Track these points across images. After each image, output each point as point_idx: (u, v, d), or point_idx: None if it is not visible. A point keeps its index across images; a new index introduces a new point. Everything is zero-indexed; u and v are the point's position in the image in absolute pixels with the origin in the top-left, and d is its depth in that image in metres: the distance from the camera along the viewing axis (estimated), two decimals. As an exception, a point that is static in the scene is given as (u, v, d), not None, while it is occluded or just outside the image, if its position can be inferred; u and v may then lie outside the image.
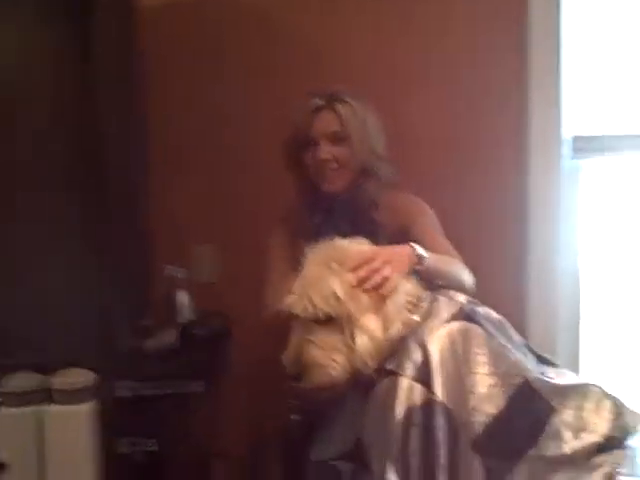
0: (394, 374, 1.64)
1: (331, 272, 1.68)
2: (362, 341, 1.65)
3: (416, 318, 1.71)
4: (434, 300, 1.76)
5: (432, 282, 1.84)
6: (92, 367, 2.01)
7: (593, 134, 2.43)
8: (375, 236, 1.90)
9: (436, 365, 1.63)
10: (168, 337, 2.18)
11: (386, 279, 1.69)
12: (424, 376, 1.63)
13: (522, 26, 2.39)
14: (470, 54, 2.43)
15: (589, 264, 2.47)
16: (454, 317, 1.71)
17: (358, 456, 1.65)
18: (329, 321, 1.67)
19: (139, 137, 2.47)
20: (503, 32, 2.41)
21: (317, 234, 2.10)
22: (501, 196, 2.44)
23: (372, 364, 1.66)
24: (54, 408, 1.90)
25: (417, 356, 1.65)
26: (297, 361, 1.68)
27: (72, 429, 1.87)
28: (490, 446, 1.57)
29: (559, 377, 1.71)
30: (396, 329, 1.69)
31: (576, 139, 2.43)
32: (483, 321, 1.72)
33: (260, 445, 2.24)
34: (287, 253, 2.16)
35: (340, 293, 1.65)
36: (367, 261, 1.70)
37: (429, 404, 1.60)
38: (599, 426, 1.59)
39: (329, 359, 1.66)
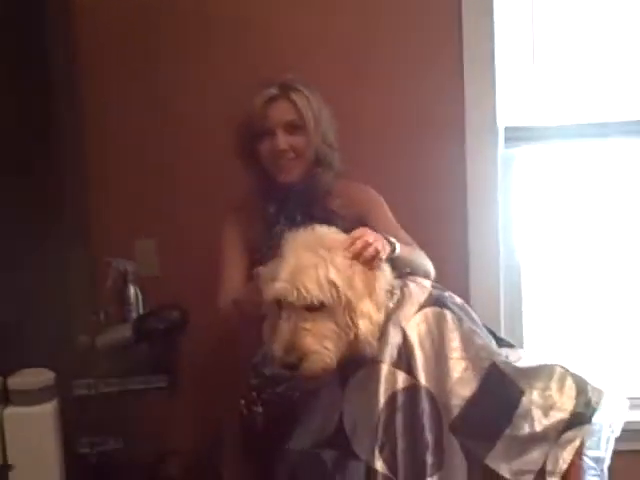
0: (374, 361, 1.70)
1: (322, 259, 1.69)
2: (364, 325, 1.67)
3: (391, 305, 1.77)
4: (405, 286, 1.81)
5: (401, 270, 1.89)
6: (48, 366, 1.93)
7: (525, 125, 2.54)
8: (330, 225, 1.90)
9: (417, 350, 1.70)
10: (122, 332, 2.13)
11: (377, 253, 1.72)
12: (405, 361, 1.69)
13: (456, 20, 2.45)
14: (406, 48, 2.48)
15: (527, 249, 2.59)
16: (426, 302, 1.78)
17: (340, 443, 1.69)
18: (320, 308, 1.67)
19: (76, 126, 2.40)
20: (438, 26, 2.47)
21: (272, 224, 2.13)
22: (439, 184, 2.51)
23: (374, 344, 1.69)
24: (12, 410, 1.83)
25: (396, 341, 1.71)
26: (291, 349, 1.66)
27: (33, 431, 1.81)
28: (467, 428, 1.66)
29: (521, 358, 1.82)
30: (383, 308, 1.73)
31: (508, 129, 2.54)
32: (452, 305, 1.80)
33: (218, 439, 2.22)
34: (240, 244, 2.17)
35: (337, 280, 1.66)
36: (359, 237, 1.74)
37: (412, 388, 1.67)
38: (565, 404, 1.69)
39: (322, 346, 1.66)
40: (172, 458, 2.26)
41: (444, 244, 2.41)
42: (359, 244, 1.72)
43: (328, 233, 1.79)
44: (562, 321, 2.64)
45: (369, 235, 1.75)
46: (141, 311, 2.22)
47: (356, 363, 1.71)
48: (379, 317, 1.71)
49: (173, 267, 2.56)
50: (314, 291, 1.65)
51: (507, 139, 2.53)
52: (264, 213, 2.15)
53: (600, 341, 2.62)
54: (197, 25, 2.50)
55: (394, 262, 1.85)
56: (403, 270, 1.89)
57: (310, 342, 1.65)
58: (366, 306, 1.68)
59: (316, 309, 1.66)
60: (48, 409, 1.83)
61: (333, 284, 1.65)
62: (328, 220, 1.97)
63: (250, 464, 2.07)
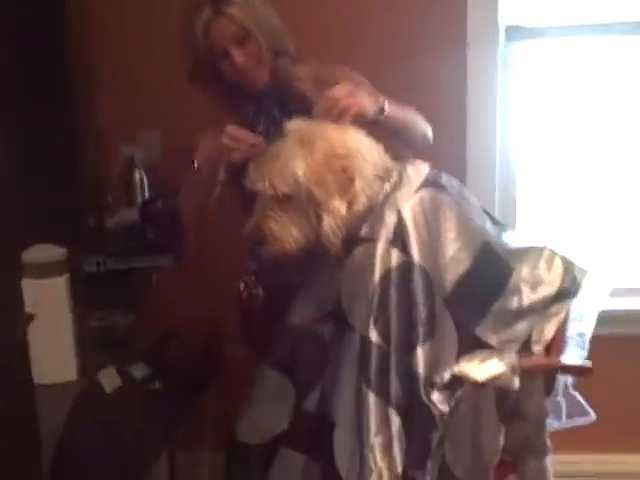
0: (370, 241, 1.77)
1: (301, 152, 1.74)
2: (328, 222, 1.74)
3: (388, 187, 1.82)
4: (403, 169, 1.85)
5: (395, 133, 1.93)
6: (60, 243, 2.01)
7: (525, 24, 2.57)
8: (309, 109, 1.90)
9: (411, 229, 1.76)
10: (130, 214, 2.22)
11: (349, 108, 1.77)
12: (399, 239, 1.76)
13: None
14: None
15: (524, 141, 2.67)
16: (423, 185, 1.82)
17: (337, 316, 1.78)
18: (288, 199, 1.75)
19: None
20: None
21: (254, 126, 2.09)
22: (440, 82, 2.54)
23: (337, 241, 1.77)
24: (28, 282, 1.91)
25: (391, 221, 1.76)
26: (256, 230, 1.78)
27: (48, 301, 1.90)
28: (459, 302, 1.74)
29: (513, 240, 1.90)
30: (361, 204, 1.78)
31: (509, 28, 2.57)
32: (448, 188, 1.85)
33: (219, 320, 2.32)
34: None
35: (301, 175, 1.72)
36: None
37: (406, 265, 1.74)
38: (553, 280, 1.78)
39: (285, 233, 1.76)
40: (175, 338, 2.37)
41: (443, 135, 2.45)
42: (323, 102, 1.77)
43: (322, 127, 1.80)
44: (553, 213, 2.73)
45: (338, 90, 1.78)
46: (146, 196, 2.31)
47: (353, 242, 1.78)
48: (350, 212, 1.76)
49: (172, 158, 2.58)
50: (279, 183, 1.73)
51: (507, 38, 2.56)
52: (244, 118, 2.11)
53: (589, 233, 2.72)
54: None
55: (384, 123, 1.89)
56: (398, 134, 1.93)
57: (272, 227, 1.75)
58: (335, 204, 1.74)
59: (285, 200, 1.74)
60: (61, 282, 1.92)
61: (298, 179, 1.72)
62: (304, 107, 1.96)
63: (249, 342, 2.18)
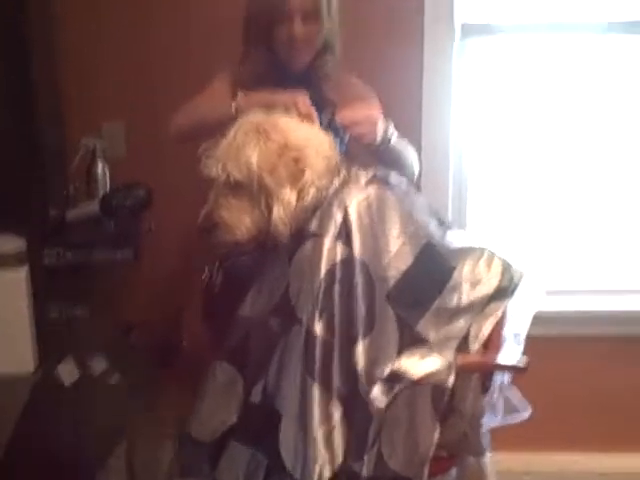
0: (317, 235, 1.83)
1: (255, 141, 1.81)
2: (278, 211, 1.81)
3: (336, 183, 1.89)
4: (351, 166, 1.93)
5: (389, 164, 2.03)
6: (19, 233, 2.05)
7: (480, 21, 2.63)
8: (320, 111, 2.00)
9: (355, 225, 1.83)
10: (90, 207, 2.26)
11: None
12: (345, 235, 1.82)
13: None
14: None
15: (477, 137, 2.74)
16: (370, 182, 1.90)
17: (285, 310, 1.84)
18: (240, 187, 1.82)
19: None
20: None
21: None
22: (397, 74, 2.60)
23: (286, 231, 1.84)
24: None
25: (338, 217, 1.83)
26: (209, 218, 1.85)
27: (6, 294, 1.95)
28: (401, 298, 1.81)
29: (457, 239, 1.98)
30: (310, 196, 1.85)
31: (465, 25, 2.63)
32: (394, 186, 1.93)
33: (178, 312, 2.38)
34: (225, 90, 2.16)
35: (254, 163, 1.79)
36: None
37: (349, 260, 1.81)
38: (491, 280, 1.86)
39: (237, 221, 1.83)
40: (134, 331, 2.43)
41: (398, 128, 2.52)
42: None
43: (279, 119, 1.88)
44: (502, 213, 2.82)
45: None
46: (108, 188, 2.36)
47: (302, 237, 1.85)
48: (300, 204, 1.83)
49: (141, 150, 2.63)
50: (232, 169, 1.80)
51: (463, 33, 2.63)
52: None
53: (533, 232, 2.81)
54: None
55: (385, 153, 2.02)
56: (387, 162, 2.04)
57: (224, 214, 1.82)
58: (285, 193, 1.81)
59: (237, 187, 1.81)
60: (20, 273, 1.97)
61: (251, 166, 1.79)
62: (318, 104, 2.04)
63: (207, 327, 2.24)
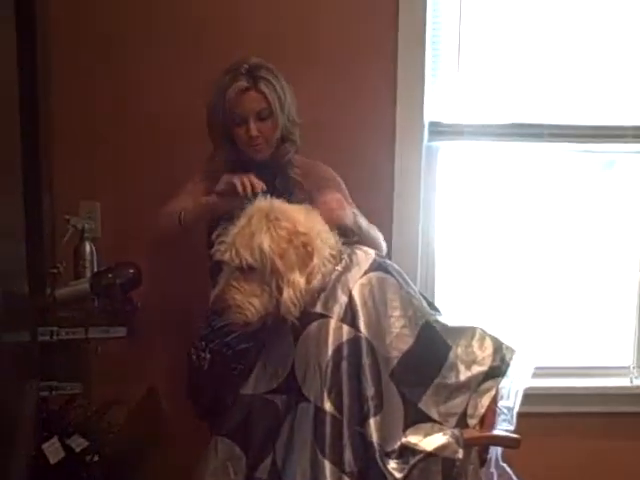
0: (324, 317, 1.94)
1: (265, 228, 1.92)
2: (288, 294, 1.91)
3: (339, 268, 2.01)
4: (353, 253, 2.05)
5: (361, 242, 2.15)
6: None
7: (447, 122, 2.84)
8: (291, 193, 2.22)
9: (360, 307, 1.95)
10: (81, 286, 2.27)
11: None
12: (350, 317, 1.94)
13: (393, 31, 2.71)
14: (345, 54, 2.72)
15: (445, 233, 2.91)
16: (370, 267, 2.03)
17: (291, 388, 1.91)
18: (252, 270, 1.92)
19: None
20: (375, 37, 2.73)
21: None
22: (371, 174, 2.76)
23: (296, 312, 1.93)
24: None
25: (343, 300, 1.95)
26: (219, 300, 1.94)
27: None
28: (404, 376, 1.92)
29: (447, 319, 2.11)
30: (317, 281, 1.96)
31: (432, 124, 2.83)
32: (392, 271, 2.06)
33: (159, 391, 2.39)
34: (202, 189, 2.34)
35: (266, 248, 1.90)
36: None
37: (355, 340, 1.91)
38: (485, 359, 2.00)
39: (247, 303, 1.92)
40: (113, 409, 2.41)
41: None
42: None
43: (286, 207, 2.01)
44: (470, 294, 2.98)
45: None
46: (95, 268, 2.38)
47: (309, 318, 1.94)
48: (308, 287, 1.93)
49: (114, 230, 2.67)
50: (245, 255, 1.90)
51: (431, 133, 2.83)
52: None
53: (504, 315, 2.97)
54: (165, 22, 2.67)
55: (353, 232, 2.14)
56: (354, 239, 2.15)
57: (235, 297, 1.92)
58: (295, 277, 1.92)
59: (249, 270, 1.92)
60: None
61: (263, 251, 1.90)
62: (288, 188, 2.27)
63: (194, 405, 2.30)
